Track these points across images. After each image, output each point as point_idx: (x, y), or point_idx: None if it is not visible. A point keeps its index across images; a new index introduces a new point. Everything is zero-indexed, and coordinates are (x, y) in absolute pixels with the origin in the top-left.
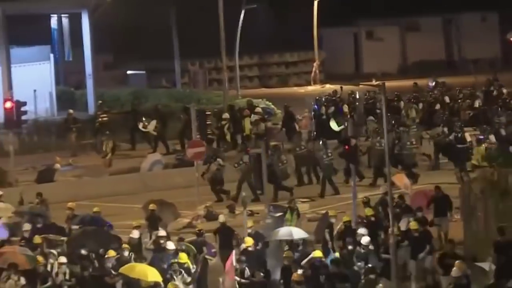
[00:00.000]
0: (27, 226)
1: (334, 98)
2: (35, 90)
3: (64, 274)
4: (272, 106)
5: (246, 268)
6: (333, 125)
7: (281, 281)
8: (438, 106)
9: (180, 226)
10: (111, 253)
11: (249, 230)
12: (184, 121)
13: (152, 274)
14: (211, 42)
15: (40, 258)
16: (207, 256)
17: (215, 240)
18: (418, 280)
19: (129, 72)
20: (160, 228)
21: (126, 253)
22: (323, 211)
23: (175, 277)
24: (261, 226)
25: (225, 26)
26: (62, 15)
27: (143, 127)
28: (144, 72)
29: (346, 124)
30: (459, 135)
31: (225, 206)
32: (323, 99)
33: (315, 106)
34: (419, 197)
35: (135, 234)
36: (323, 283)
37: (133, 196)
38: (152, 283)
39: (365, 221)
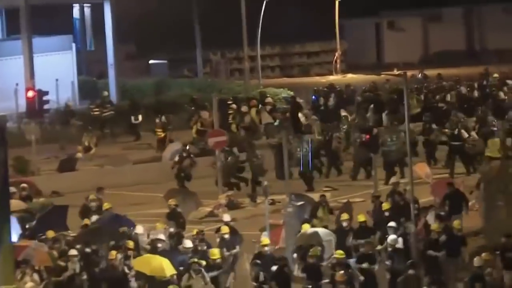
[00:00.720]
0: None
1: (332, 89)
2: (57, 80)
3: (74, 269)
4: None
5: (261, 273)
6: (343, 114)
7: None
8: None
9: (202, 215)
10: (113, 254)
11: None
12: (190, 112)
13: (169, 268)
14: (233, 32)
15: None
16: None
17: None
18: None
19: (151, 62)
20: (161, 232)
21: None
22: (344, 200)
23: (194, 275)
24: (283, 215)
25: (247, 16)
26: (84, 4)
27: (134, 120)
28: (166, 62)
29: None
30: (455, 132)
31: (246, 195)
32: (323, 91)
33: (314, 98)
34: (439, 187)
35: (139, 229)
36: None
37: (155, 185)
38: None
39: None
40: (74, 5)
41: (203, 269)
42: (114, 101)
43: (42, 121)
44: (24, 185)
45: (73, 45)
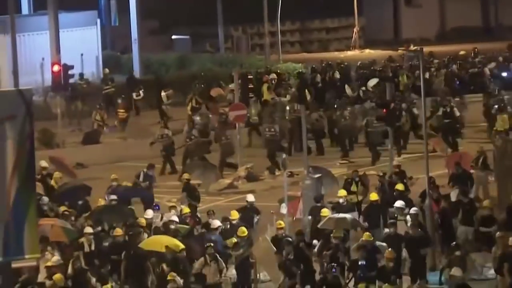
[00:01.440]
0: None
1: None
2: (82, 54)
3: (90, 245)
4: None
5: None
6: (348, 91)
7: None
8: None
9: (221, 187)
10: (118, 231)
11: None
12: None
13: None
14: (254, 8)
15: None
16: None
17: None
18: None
19: (174, 37)
20: (173, 211)
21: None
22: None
23: (208, 261)
24: (301, 187)
25: None
26: None
27: (136, 96)
28: (188, 37)
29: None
30: (447, 109)
31: (265, 167)
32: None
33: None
34: (453, 160)
35: (149, 214)
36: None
37: (177, 157)
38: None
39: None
40: None
41: (218, 255)
42: (138, 75)
43: (67, 94)
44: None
45: (98, 20)
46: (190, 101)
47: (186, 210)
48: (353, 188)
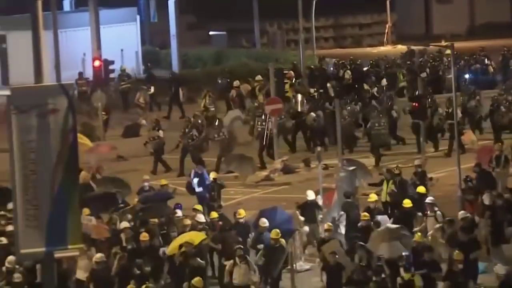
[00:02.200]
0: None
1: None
2: (122, 50)
3: (127, 239)
4: None
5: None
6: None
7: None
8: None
9: (258, 179)
10: (145, 236)
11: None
12: (221, 85)
13: (199, 236)
14: (289, 4)
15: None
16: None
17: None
18: None
19: (211, 32)
20: (200, 212)
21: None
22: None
23: (238, 262)
24: (335, 179)
25: None
26: None
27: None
28: (225, 32)
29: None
30: (450, 110)
31: (300, 160)
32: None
33: (331, 69)
34: (483, 152)
35: (201, 218)
36: None
37: (215, 150)
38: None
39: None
40: None
41: (248, 256)
42: (176, 69)
43: (108, 89)
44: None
45: (137, 17)
46: (204, 97)
47: (215, 215)
48: (384, 187)
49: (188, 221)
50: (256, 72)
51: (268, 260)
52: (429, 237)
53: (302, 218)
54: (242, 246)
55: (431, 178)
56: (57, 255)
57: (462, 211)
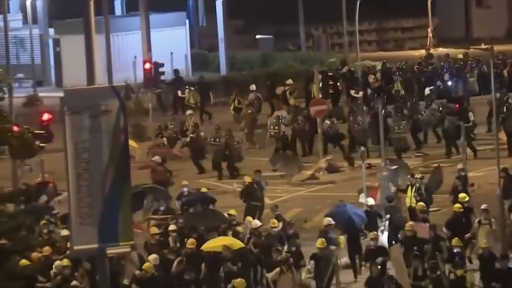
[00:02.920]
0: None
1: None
2: (171, 53)
3: (175, 242)
4: None
5: None
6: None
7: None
8: None
9: (303, 178)
10: (191, 242)
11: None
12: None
13: (237, 243)
14: (334, 9)
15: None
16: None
17: None
18: None
19: (258, 36)
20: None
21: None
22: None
23: (284, 271)
24: (378, 178)
25: None
26: None
27: (181, 94)
28: (271, 36)
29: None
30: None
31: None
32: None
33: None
34: None
35: (256, 223)
36: None
37: (261, 151)
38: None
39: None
40: None
41: (293, 266)
42: (223, 72)
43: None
44: None
45: (187, 21)
46: (232, 101)
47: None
48: (409, 193)
49: (240, 229)
50: (301, 74)
51: (316, 269)
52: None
53: None
54: (289, 254)
55: (472, 184)
56: (109, 251)
57: None
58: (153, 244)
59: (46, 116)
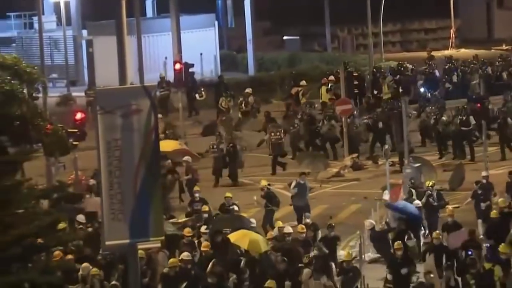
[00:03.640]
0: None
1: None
2: (201, 54)
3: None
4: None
5: None
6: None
7: None
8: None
9: (329, 175)
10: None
11: None
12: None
13: (264, 245)
14: (359, 11)
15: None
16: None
17: None
18: None
19: (285, 37)
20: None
21: None
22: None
23: (314, 275)
24: (402, 175)
25: None
26: None
27: (200, 97)
28: (298, 37)
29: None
30: (464, 118)
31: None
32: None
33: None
34: None
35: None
36: None
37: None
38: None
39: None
40: None
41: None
42: (251, 72)
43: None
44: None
45: (216, 22)
46: (240, 105)
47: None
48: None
49: (271, 233)
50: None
51: (342, 281)
52: None
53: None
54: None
55: (495, 194)
56: (140, 246)
57: None
58: (185, 244)
59: (79, 115)
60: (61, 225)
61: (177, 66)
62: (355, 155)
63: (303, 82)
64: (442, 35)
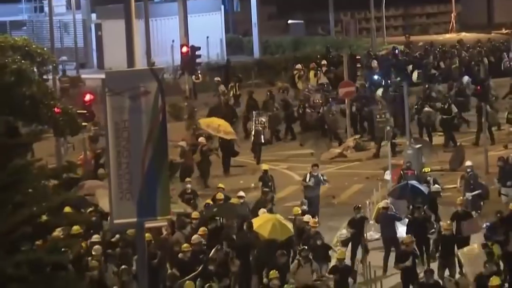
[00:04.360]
0: None
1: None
2: (207, 37)
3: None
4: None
5: None
6: (414, 76)
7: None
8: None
9: (332, 156)
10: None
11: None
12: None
13: (285, 231)
14: None
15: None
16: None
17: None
18: None
19: (289, 22)
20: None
21: None
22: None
23: (302, 264)
24: (403, 156)
25: None
26: None
27: (196, 79)
28: (302, 22)
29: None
30: (445, 105)
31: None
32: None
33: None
34: None
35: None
36: None
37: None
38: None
39: None
40: None
41: (312, 258)
42: (257, 55)
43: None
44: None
45: (222, 6)
46: (230, 90)
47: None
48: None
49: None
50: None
51: (335, 280)
52: None
53: None
54: (306, 247)
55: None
56: (147, 225)
57: None
58: (193, 228)
59: (88, 97)
60: (67, 209)
61: (184, 49)
62: (357, 136)
63: (299, 66)
64: (443, 19)
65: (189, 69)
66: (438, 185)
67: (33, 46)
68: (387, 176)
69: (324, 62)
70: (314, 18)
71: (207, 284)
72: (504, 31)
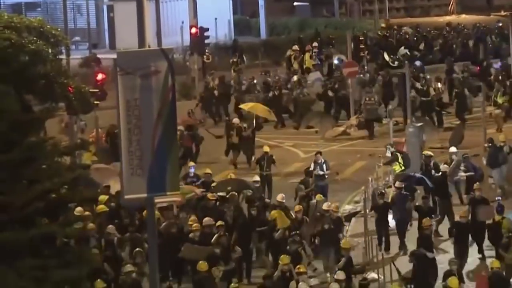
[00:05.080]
0: None
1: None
2: (216, 18)
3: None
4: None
5: None
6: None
7: None
8: None
9: (336, 134)
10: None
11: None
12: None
13: (283, 220)
14: None
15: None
16: None
17: None
18: None
19: (295, 3)
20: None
21: None
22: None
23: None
24: (405, 133)
25: None
26: None
27: (206, 59)
28: (308, 3)
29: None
30: (424, 88)
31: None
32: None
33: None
34: None
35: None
36: None
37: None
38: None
39: None
40: None
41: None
42: (263, 36)
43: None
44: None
45: None
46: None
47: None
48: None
49: (300, 206)
50: (335, 39)
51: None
52: None
53: None
54: (295, 239)
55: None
56: (157, 200)
57: None
58: (209, 209)
59: (100, 76)
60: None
61: (193, 30)
62: (361, 115)
63: (295, 47)
64: (444, 1)
65: (198, 50)
66: (439, 168)
67: (48, 27)
68: (389, 152)
69: (315, 44)
70: (319, 0)
71: (214, 267)
72: (503, 13)
